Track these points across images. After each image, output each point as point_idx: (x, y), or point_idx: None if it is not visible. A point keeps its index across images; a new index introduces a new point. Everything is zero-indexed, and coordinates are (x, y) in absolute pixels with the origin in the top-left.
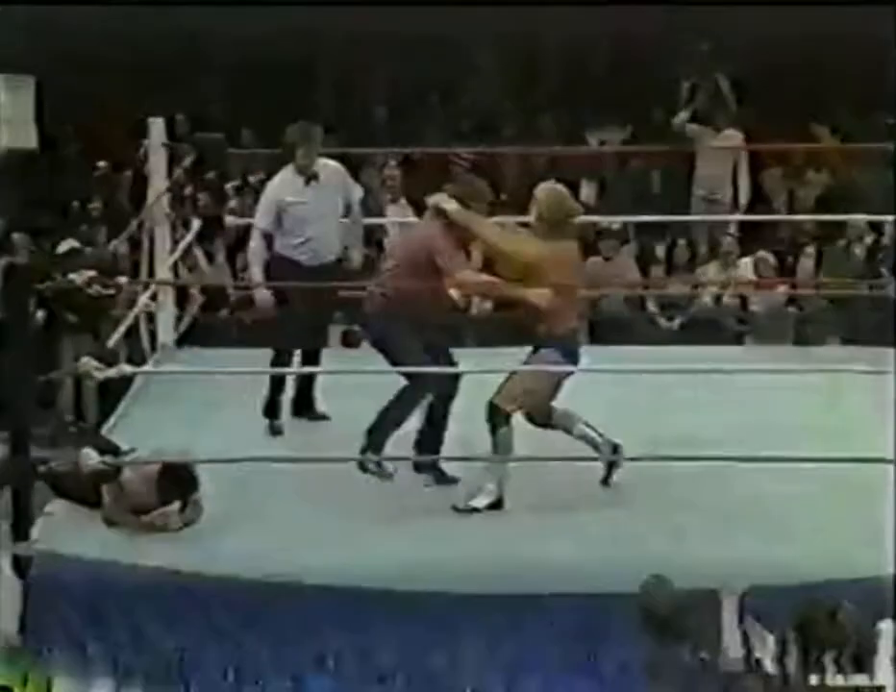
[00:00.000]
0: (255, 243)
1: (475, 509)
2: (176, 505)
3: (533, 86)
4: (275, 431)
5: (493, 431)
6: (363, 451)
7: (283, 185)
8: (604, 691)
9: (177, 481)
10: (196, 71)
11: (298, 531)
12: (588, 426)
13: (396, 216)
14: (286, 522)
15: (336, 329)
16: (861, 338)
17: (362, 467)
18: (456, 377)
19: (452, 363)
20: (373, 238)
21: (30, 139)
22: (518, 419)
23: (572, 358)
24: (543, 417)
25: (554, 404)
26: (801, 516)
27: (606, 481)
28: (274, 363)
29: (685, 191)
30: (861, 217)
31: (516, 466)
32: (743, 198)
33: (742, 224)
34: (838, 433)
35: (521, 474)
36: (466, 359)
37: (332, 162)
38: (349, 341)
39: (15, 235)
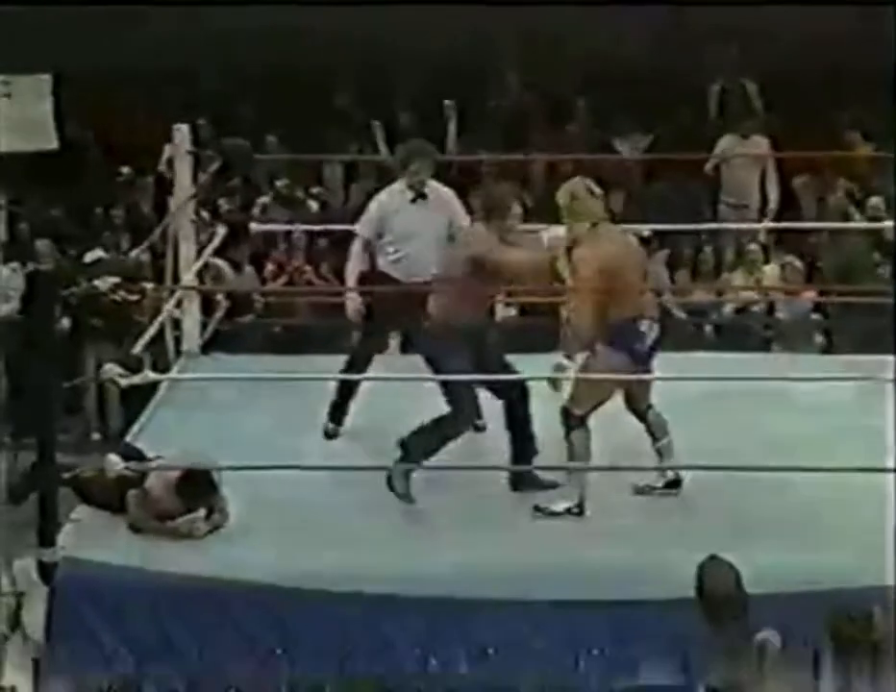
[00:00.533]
0: (354, 250)
1: (554, 512)
2: (202, 511)
3: (558, 91)
4: (330, 434)
5: (567, 435)
6: (391, 474)
7: (390, 198)
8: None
9: (199, 486)
10: (220, 77)
11: (326, 538)
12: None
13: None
14: (313, 529)
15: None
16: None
17: (390, 485)
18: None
19: (510, 369)
20: None
21: (50, 141)
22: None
23: (634, 348)
24: (641, 407)
25: (656, 405)
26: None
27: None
28: (346, 371)
29: (713, 198)
30: (888, 225)
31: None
32: (772, 204)
33: (771, 230)
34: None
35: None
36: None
37: (443, 187)
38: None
39: (40, 242)
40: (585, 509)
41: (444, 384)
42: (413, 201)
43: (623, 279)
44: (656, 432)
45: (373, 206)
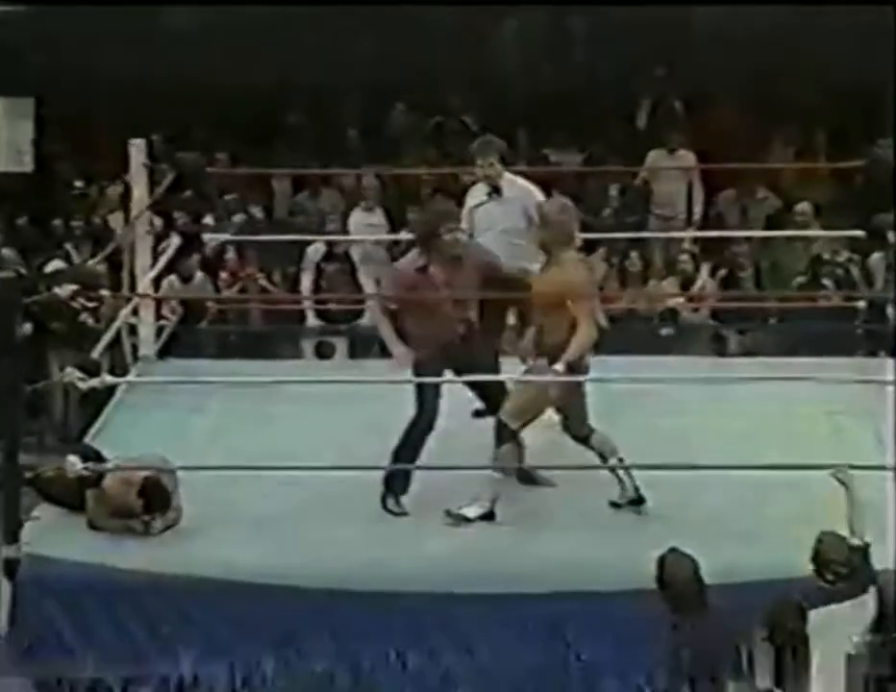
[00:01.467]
0: None
1: (466, 519)
2: (157, 511)
3: (496, 106)
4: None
5: (497, 445)
6: (385, 496)
7: (473, 194)
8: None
9: (157, 488)
10: (179, 95)
11: (277, 535)
12: (621, 462)
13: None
14: (264, 527)
15: (310, 341)
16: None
17: (385, 506)
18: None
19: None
20: None
21: (25, 163)
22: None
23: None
24: (580, 430)
25: (594, 425)
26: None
27: (616, 504)
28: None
29: (644, 209)
30: (814, 233)
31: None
32: (697, 216)
33: (697, 239)
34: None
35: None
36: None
37: (520, 180)
38: (322, 352)
39: (4, 251)
40: (496, 515)
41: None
42: (490, 195)
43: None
44: (604, 453)
45: (465, 204)
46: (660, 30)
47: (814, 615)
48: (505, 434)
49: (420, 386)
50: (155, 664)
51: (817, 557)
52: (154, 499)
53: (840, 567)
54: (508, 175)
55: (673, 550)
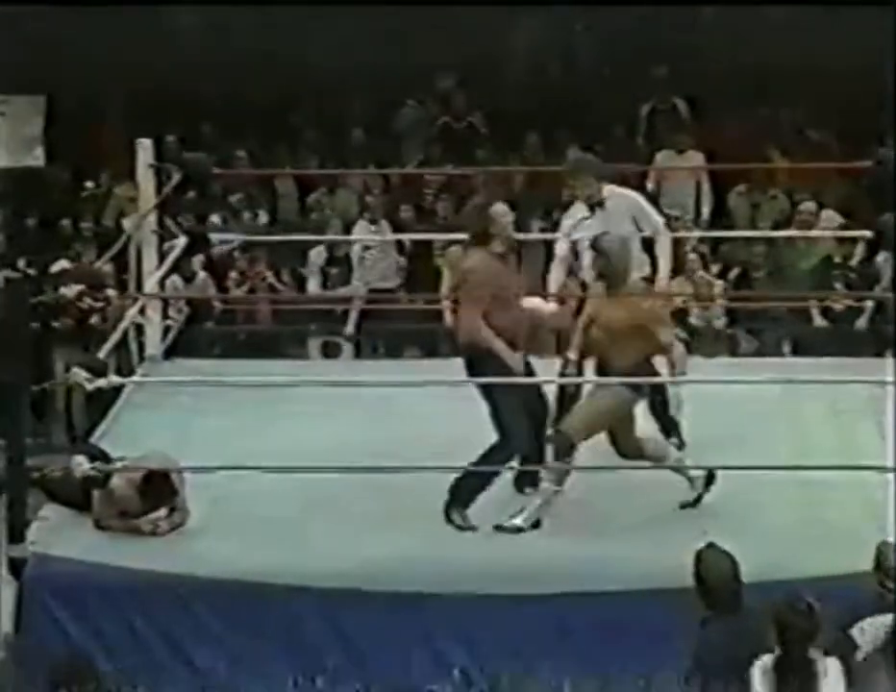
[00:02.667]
0: (556, 259)
1: (520, 529)
2: (163, 510)
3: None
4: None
5: (557, 456)
6: (448, 506)
7: (573, 212)
8: None
9: (161, 487)
10: (188, 93)
11: (282, 535)
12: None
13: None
14: (271, 527)
15: (315, 341)
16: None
17: (448, 517)
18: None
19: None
20: None
21: (38, 158)
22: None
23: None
24: (632, 450)
25: (642, 435)
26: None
27: (694, 503)
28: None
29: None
30: (816, 234)
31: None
32: (705, 216)
33: (707, 239)
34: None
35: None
36: None
37: (622, 190)
38: (328, 352)
39: (11, 252)
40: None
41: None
42: (592, 210)
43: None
44: (661, 459)
45: (563, 223)
46: (663, 30)
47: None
48: (564, 448)
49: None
50: (162, 664)
51: (879, 564)
52: (154, 496)
53: None
54: (606, 186)
55: (711, 545)
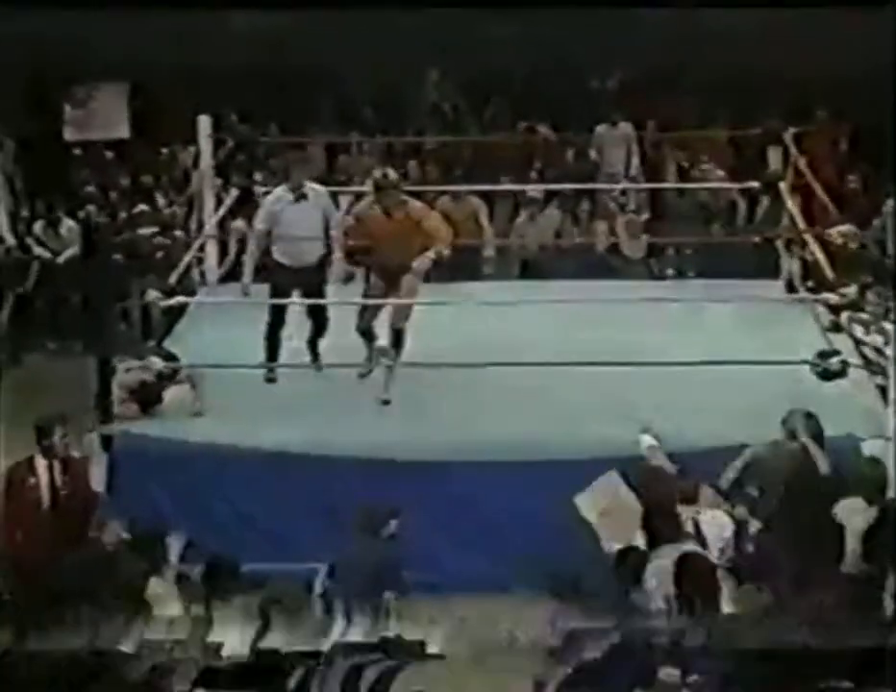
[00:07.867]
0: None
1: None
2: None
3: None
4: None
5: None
6: None
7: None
8: None
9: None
10: (237, 75)
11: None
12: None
13: None
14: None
15: None
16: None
17: None
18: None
19: None
20: None
21: (123, 132)
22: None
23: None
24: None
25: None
26: None
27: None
28: None
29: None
30: (710, 186)
31: None
32: (633, 171)
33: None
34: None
35: None
36: None
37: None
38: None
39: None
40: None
41: None
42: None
43: None
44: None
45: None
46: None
47: None
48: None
49: None
50: (223, 521)
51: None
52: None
53: None
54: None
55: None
